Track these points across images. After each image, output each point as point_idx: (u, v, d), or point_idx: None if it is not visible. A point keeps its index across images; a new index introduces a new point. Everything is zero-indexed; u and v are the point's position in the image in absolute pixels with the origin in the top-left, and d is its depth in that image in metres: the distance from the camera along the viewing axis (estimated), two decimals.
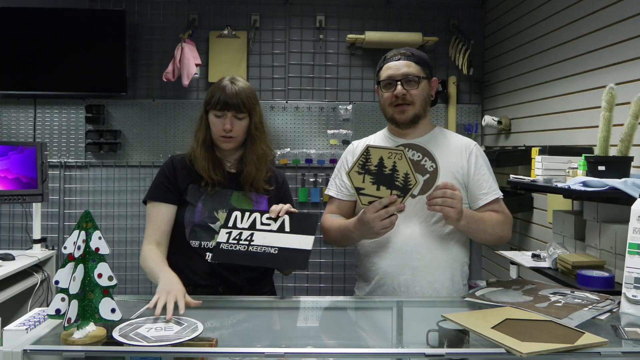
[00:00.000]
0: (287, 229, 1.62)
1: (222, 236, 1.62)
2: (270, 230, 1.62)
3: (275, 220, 1.64)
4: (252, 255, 1.59)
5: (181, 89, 3.71)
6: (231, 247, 1.60)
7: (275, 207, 1.65)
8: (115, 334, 1.21)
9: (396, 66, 1.71)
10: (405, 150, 1.51)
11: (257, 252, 1.59)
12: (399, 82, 1.70)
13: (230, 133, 1.72)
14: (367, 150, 1.53)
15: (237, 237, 1.61)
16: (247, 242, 1.60)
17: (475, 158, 1.76)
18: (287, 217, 1.64)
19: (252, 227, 1.63)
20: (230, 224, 1.63)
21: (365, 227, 1.57)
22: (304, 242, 1.59)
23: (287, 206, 1.66)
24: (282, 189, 1.86)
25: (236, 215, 1.64)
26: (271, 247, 1.59)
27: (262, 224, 1.63)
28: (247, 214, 1.64)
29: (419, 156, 1.71)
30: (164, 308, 1.36)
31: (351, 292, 1.88)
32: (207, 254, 1.72)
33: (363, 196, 1.55)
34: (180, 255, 1.75)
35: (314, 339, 1.52)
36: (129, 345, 1.16)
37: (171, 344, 1.17)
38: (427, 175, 1.67)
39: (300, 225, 1.63)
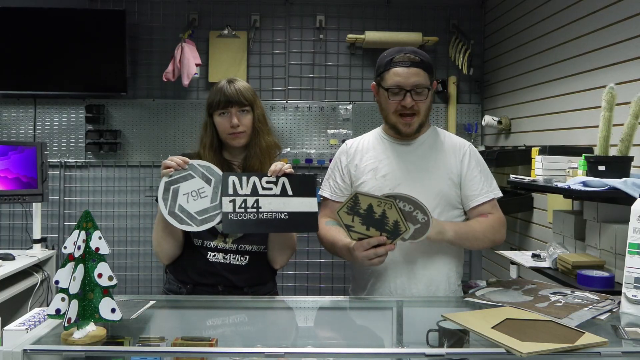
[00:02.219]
0: (290, 192, 1.62)
1: (226, 205, 1.59)
2: (274, 195, 1.61)
3: (275, 183, 1.62)
4: (264, 222, 1.59)
5: (181, 89, 3.71)
6: (240, 216, 1.59)
7: (274, 167, 1.62)
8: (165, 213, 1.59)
9: (405, 74, 1.63)
10: (395, 202, 1.49)
11: (269, 219, 1.59)
12: (408, 93, 1.64)
13: (238, 128, 1.73)
14: (355, 196, 1.52)
15: (242, 205, 1.59)
16: (255, 210, 1.59)
17: (468, 159, 1.73)
18: (286, 180, 1.62)
19: (255, 192, 1.60)
20: (230, 190, 1.60)
21: (354, 259, 1.58)
22: (309, 204, 1.61)
23: (287, 166, 1.64)
24: None
25: (233, 181, 1.60)
26: (280, 212, 1.60)
27: (263, 188, 1.62)
28: (244, 178, 1.61)
29: (410, 208, 1.60)
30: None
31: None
32: (209, 253, 1.73)
33: (353, 232, 1.55)
34: (182, 252, 1.77)
35: (314, 339, 1.52)
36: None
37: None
38: (419, 225, 1.59)
39: (301, 187, 1.63)
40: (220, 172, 1.63)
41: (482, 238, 1.68)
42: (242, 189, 1.61)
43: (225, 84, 1.75)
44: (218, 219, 1.60)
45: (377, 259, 1.52)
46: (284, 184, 1.62)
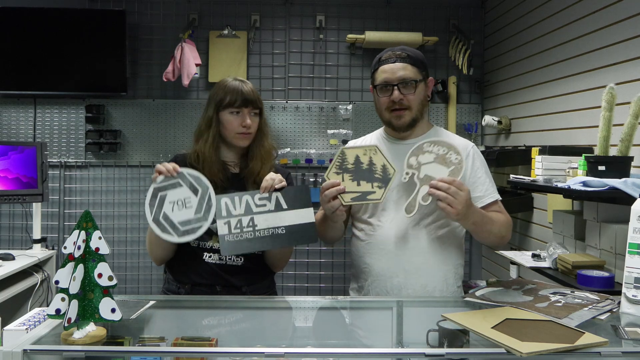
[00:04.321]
0: (285, 205, 1.60)
1: (221, 228, 1.57)
2: (269, 211, 1.59)
3: (269, 199, 1.60)
4: (262, 240, 1.58)
5: (181, 89, 3.71)
6: (236, 237, 1.57)
7: (265, 184, 1.60)
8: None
9: (392, 69, 1.65)
10: (377, 146, 1.57)
11: (266, 236, 1.58)
12: (395, 87, 1.65)
13: (249, 130, 1.73)
14: (342, 152, 1.58)
15: (238, 226, 1.57)
16: (251, 229, 1.58)
17: (472, 160, 1.72)
18: (279, 194, 1.60)
19: (249, 211, 1.59)
20: (224, 213, 1.58)
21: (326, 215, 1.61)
22: (306, 215, 1.59)
23: (278, 179, 1.61)
24: None
25: (226, 203, 1.58)
26: (277, 227, 1.58)
27: (257, 205, 1.60)
28: (236, 198, 1.59)
29: (443, 150, 1.60)
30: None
31: None
32: (205, 254, 1.73)
33: (345, 194, 1.55)
34: (179, 253, 1.76)
35: (314, 339, 1.52)
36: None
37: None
38: (452, 167, 1.58)
39: (295, 199, 1.60)
40: (208, 184, 1.59)
41: (497, 232, 1.66)
42: (235, 210, 1.59)
43: (238, 83, 1.74)
44: (200, 232, 1.56)
45: (331, 204, 1.55)
46: (277, 198, 1.60)
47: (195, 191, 1.59)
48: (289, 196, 1.61)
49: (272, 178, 1.61)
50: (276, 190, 1.60)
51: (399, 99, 1.66)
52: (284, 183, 1.62)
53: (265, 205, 1.60)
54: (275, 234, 1.58)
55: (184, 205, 1.58)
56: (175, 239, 1.56)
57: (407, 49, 1.70)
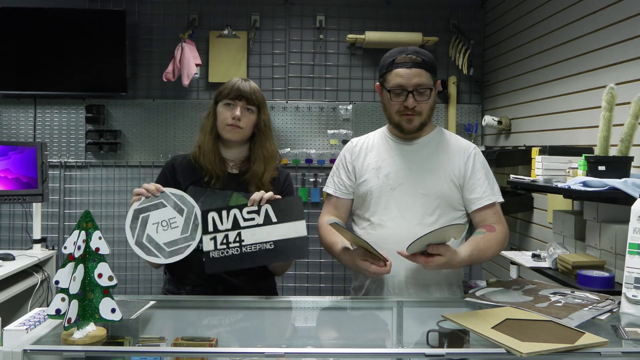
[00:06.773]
0: (274, 219, 1.54)
1: (207, 244, 1.53)
2: (257, 225, 1.53)
3: (257, 212, 1.54)
4: (248, 256, 1.52)
5: (181, 89, 3.71)
6: (222, 253, 1.52)
7: (255, 196, 1.55)
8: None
9: (407, 75, 1.63)
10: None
11: (253, 252, 1.52)
12: (410, 94, 1.64)
13: (238, 122, 1.71)
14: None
15: (224, 242, 1.52)
16: (237, 244, 1.52)
17: (473, 161, 1.72)
18: (269, 207, 1.54)
19: (236, 225, 1.53)
20: (211, 228, 1.53)
21: (346, 263, 1.66)
22: (297, 229, 1.53)
23: (269, 194, 1.56)
24: (284, 186, 1.84)
25: (213, 217, 1.53)
26: (265, 242, 1.53)
27: (245, 220, 1.54)
28: (224, 212, 1.54)
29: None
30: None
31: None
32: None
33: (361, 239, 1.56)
34: None
35: (314, 339, 1.52)
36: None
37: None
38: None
39: (286, 212, 1.54)
40: (194, 203, 1.55)
41: (490, 256, 1.69)
42: (222, 225, 1.53)
43: (240, 80, 1.76)
44: (188, 251, 1.52)
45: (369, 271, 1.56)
46: (267, 211, 1.54)
47: (180, 211, 1.55)
48: (280, 208, 1.54)
49: (262, 192, 1.56)
50: (267, 202, 1.55)
51: (413, 105, 1.66)
52: (272, 196, 1.56)
53: (254, 219, 1.54)
54: (264, 249, 1.53)
55: (169, 225, 1.54)
56: (162, 260, 1.52)
57: (421, 53, 1.67)
